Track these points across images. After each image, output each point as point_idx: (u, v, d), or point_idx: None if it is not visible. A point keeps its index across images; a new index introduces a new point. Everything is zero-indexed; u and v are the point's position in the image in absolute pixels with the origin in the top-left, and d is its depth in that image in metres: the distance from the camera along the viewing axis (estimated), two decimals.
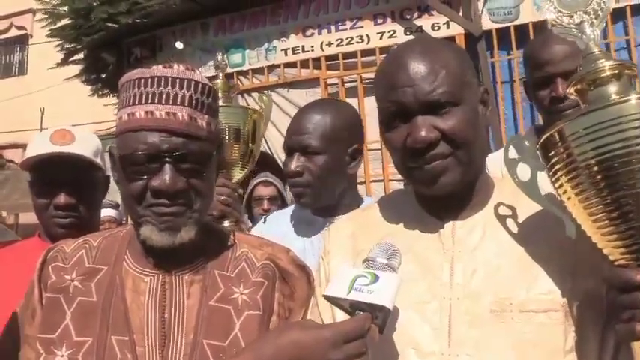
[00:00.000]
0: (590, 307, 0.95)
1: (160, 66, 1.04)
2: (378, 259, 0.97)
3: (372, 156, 5.11)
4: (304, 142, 1.60)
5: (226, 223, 1.69)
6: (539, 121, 2.71)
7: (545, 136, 0.89)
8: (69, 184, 1.51)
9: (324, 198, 1.63)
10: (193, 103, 1.03)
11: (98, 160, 1.59)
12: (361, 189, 3.64)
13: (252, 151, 1.79)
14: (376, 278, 0.93)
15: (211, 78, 1.73)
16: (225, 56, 6.16)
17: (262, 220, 1.89)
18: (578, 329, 0.96)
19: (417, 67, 1.01)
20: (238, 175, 1.79)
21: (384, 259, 0.97)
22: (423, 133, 0.99)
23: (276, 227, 1.74)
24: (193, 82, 1.03)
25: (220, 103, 1.72)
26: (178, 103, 1.01)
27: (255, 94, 5.50)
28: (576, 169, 0.84)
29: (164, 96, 1.01)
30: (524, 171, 0.96)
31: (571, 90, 0.91)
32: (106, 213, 4.05)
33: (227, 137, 1.71)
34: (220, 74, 1.85)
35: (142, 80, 1.02)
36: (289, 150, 1.65)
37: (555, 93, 1.71)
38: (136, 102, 1.02)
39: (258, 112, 1.82)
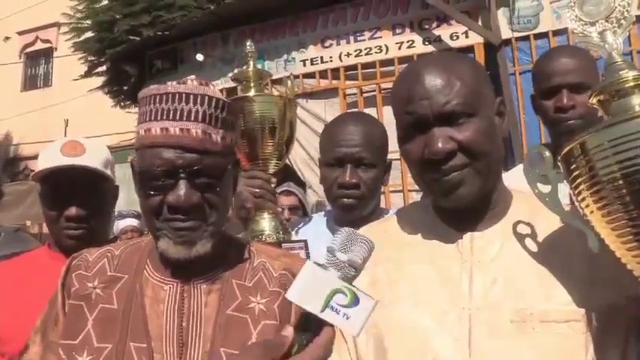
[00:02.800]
0: (611, 319, 0.94)
1: (175, 82, 1.05)
2: (337, 255, 0.82)
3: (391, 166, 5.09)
4: (359, 154, 1.57)
5: (265, 215, 1.63)
6: None
7: (567, 148, 0.87)
8: (79, 196, 1.52)
9: (369, 210, 1.61)
10: (207, 118, 1.03)
11: (108, 171, 1.60)
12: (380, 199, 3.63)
13: (281, 139, 1.68)
14: (355, 300, 0.81)
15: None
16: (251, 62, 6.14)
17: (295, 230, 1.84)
18: (599, 341, 0.95)
19: (433, 80, 1.02)
20: (274, 167, 1.72)
21: (343, 253, 0.82)
22: (440, 144, 1.00)
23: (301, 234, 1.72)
24: (207, 98, 1.04)
25: (253, 92, 1.67)
26: (192, 119, 1.02)
27: None
28: (599, 182, 0.82)
29: (178, 112, 1.02)
30: (544, 182, 0.95)
31: (593, 101, 0.90)
32: (129, 222, 4.12)
33: (261, 127, 1.63)
34: (251, 62, 1.73)
35: (157, 97, 1.04)
36: (339, 161, 1.60)
37: (560, 104, 1.70)
38: (152, 118, 1.03)
39: (283, 98, 1.74)
